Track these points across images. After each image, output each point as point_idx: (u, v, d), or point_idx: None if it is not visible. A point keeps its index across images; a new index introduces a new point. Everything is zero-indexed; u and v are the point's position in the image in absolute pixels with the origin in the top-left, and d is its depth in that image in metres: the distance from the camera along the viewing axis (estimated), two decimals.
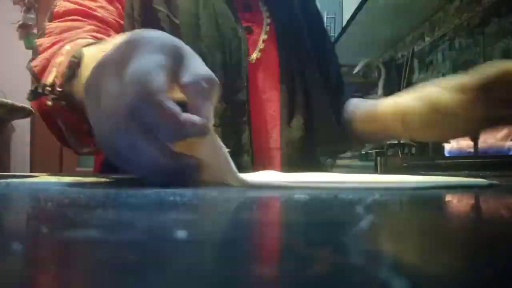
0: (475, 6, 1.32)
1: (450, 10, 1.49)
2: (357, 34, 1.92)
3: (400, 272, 0.09)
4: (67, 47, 0.48)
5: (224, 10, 0.63)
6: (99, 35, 0.55)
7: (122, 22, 0.61)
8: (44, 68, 0.48)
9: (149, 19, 0.60)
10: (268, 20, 0.70)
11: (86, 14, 0.57)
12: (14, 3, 2.36)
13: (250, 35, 0.67)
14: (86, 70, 0.38)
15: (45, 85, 0.45)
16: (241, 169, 0.62)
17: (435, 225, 0.17)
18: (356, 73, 2.08)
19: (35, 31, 2.35)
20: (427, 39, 1.68)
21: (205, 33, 0.61)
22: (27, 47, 2.31)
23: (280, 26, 0.70)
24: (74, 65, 0.42)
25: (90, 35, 0.53)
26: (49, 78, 0.46)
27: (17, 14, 2.34)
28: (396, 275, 0.09)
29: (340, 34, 1.99)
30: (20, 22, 2.31)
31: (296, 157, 0.66)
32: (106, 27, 0.58)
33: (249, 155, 0.61)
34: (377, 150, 1.22)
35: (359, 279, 0.09)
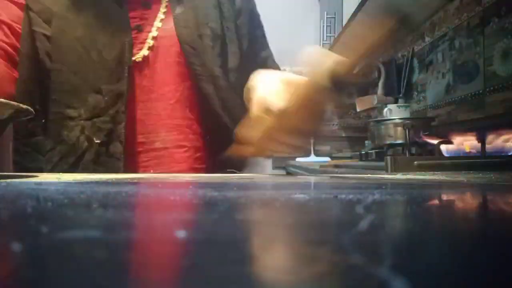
0: (475, 6, 1.32)
1: (450, 10, 1.49)
2: (357, 34, 1.92)
3: (400, 272, 0.09)
4: None
5: (107, 9, 0.66)
6: None
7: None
8: None
9: (29, 39, 0.65)
10: (162, 16, 0.68)
11: None
12: None
13: (139, 33, 0.67)
14: None
15: None
16: (113, 159, 0.63)
17: (435, 225, 0.17)
18: (356, 73, 2.07)
19: None
20: (427, 39, 1.68)
21: (81, 33, 0.64)
22: None
23: (179, 23, 0.68)
24: None
25: None
26: None
27: None
28: (396, 275, 0.09)
29: (340, 34, 1.99)
30: None
31: (191, 159, 0.67)
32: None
33: (122, 144, 0.63)
34: (376, 150, 1.22)
35: (359, 279, 0.09)
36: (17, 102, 0.64)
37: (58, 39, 0.64)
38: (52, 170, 0.62)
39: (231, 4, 0.73)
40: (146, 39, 0.67)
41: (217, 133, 0.67)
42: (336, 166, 1.33)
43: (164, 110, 0.67)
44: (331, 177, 0.53)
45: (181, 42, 0.67)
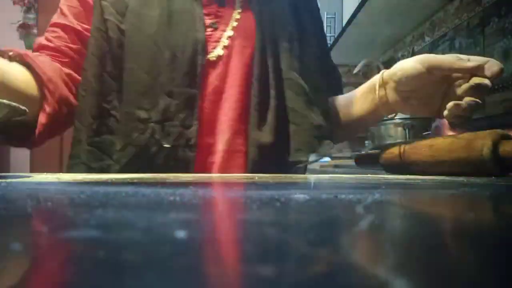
0: (475, 6, 1.32)
1: (450, 10, 1.49)
2: (357, 34, 1.92)
3: (400, 272, 0.09)
4: None
5: (182, 7, 0.64)
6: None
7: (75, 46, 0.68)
8: None
9: (103, 32, 0.64)
10: (238, 16, 0.67)
11: (44, 46, 0.67)
12: (14, 3, 2.36)
13: (214, 31, 0.66)
14: None
15: None
16: (182, 163, 0.61)
17: (435, 225, 0.17)
18: (356, 73, 2.08)
19: (35, 31, 2.35)
20: (427, 39, 1.68)
21: (154, 30, 0.62)
22: (27, 47, 2.31)
23: (260, 23, 0.67)
24: None
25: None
26: None
27: (17, 14, 2.35)
28: (396, 275, 0.09)
29: (340, 34, 1.99)
30: (20, 22, 2.31)
31: (263, 161, 0.63)
32: (59, 53, 0.67)
33: (192, 151, 0.61)
34: (376, 151, 1.22)
35: (359, 279, 0.09)
36: (80, 98, 0.63)
37: (132, 36, 0.62)
38: (120, 171, 0.60)
39: (306, 4, 0.74)
40: (220, 37, 0.66)
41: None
42: (336, 166, 1.33)
43: (233, 111, 0.65)
44: (331, 177, 0.53)
45: (257, 43, 0.65)
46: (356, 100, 0.68)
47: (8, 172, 0.67)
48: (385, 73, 0.61)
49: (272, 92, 0.64)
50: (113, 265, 0.10)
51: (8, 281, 0.09)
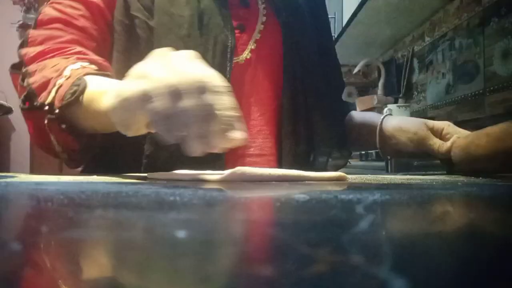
0: (475, 6, 1.32)
1: (450, 10, 1.49)
2: (357, 34, 1.92)
3: (400, 272, 0.09)
4: (68, 71, 0.49)
5: (210, 7, 0.60)
6: (83, 50, 0.54)
7: (100, 29, 0.59)
8: (43, 86, 0.49)
9: (128, 26, 0.59)
10: (264, 18, 0.65)
11: (67, 23, 0.57)
12: (14, 3, 2.36)
13: (242, 34, 0.64)
14: (89, 99, 0.46)
15: (44, 104, 0.47)
16: (211, 164, 0.58)
17: (434, 225, 0.17)
18: (356, 73, 2.08)
19: None
20: (427, 39, 1.68)
21: (185, 32, 0.58)
22: None
23: (286, 26, 0.65)
24: (78, 93, 0.46)
25: (77, 54, 0.53)
26: (49, 98, 0.47)
27: (17, 14, 2.35)
28: (396, 275, 0.09)
29: (340, 34, 1.99)
30: (20, 22, 2.31)
31: (293, 166, 0.61)
32: (86, 36, 0.58)
33: (220, 159, 0.58)
34: (376, 151, 1.22)
35: (359, 279, 0.09)
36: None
37: (162, 36, 0.58)
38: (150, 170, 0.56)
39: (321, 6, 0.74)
40: (249, 40, 0.64)
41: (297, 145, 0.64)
42: None
43: (263, 116, 0.64)
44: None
45: (285, 48, 0.65)
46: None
47: (9, 172, 0.67)
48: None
49: (302, 99, 0.64)
50: (113, 265, 0.10)
51: (9, 281, 0.09)
